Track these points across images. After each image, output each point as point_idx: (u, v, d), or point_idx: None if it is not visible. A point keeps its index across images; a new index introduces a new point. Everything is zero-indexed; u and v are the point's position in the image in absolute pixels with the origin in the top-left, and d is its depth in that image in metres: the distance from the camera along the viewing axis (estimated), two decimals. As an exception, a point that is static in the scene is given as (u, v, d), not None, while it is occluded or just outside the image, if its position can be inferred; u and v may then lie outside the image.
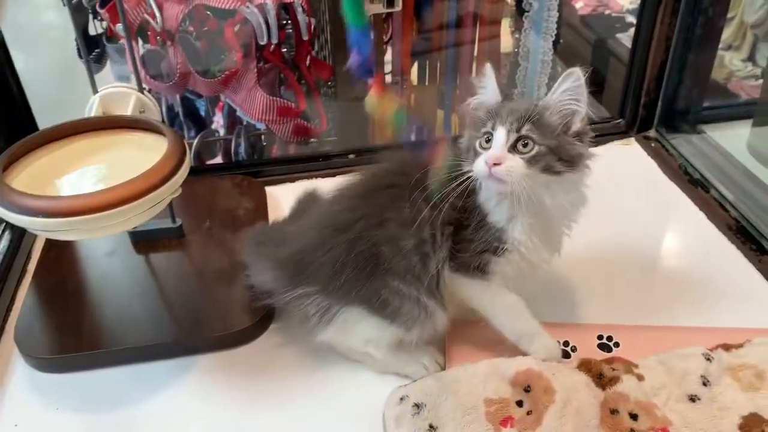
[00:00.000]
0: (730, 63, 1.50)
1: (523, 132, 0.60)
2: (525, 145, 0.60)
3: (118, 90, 0.74)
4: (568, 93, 0.61)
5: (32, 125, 0.99)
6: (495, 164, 0.59)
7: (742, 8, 1.49)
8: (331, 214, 0.68)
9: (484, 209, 0.65)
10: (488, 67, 0.65)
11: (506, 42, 1.23)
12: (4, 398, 0.70)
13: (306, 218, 0.74)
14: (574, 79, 0.60)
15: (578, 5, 1.58)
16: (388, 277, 0.64)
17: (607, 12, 1.63)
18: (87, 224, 0.57)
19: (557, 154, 0.61)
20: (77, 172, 0.67)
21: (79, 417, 0.68)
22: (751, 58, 1.43)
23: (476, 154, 0.62)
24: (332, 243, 0.65)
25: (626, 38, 1.26)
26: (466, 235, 0.65)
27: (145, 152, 0.67)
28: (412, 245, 0.64)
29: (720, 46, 1.51)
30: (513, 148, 0.60)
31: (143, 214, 0.60)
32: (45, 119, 0.97)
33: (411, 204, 0.63)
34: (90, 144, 0.70)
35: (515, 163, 0.60)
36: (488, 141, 0.61)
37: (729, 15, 1.55)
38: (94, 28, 1.10)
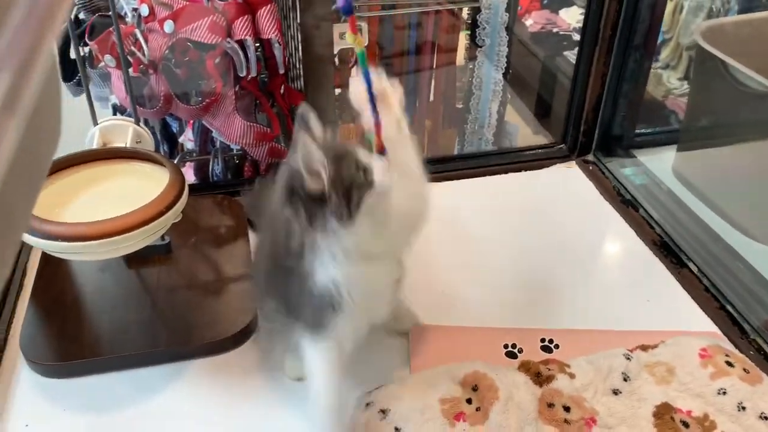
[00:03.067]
0: (668, 81, 1.57)
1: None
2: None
3: (116, 123, 0.82)
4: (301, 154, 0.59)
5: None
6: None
7: (678, 31, 1.58)
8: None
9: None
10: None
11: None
12: (14, 401, 0.76)
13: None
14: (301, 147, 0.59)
15: (528, 23, 1.68)
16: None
17: (555, 30, 1.74)
18: (104, 247, 0.65)
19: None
20: (84, 199, 0.74)
21: (85, 418, 0.75)
22: (686, 77, 1.50)
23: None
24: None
25: (572, 56, 1.26)
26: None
27: (145, 180, 0.76)
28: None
29: (658, 65, 1.63)
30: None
31: (152, 236, 0.69)
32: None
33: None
34: (94, 173, 0.78)
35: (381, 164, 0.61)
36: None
37: (666, 36, 1.66)
38: (75, 53, 1.17)
